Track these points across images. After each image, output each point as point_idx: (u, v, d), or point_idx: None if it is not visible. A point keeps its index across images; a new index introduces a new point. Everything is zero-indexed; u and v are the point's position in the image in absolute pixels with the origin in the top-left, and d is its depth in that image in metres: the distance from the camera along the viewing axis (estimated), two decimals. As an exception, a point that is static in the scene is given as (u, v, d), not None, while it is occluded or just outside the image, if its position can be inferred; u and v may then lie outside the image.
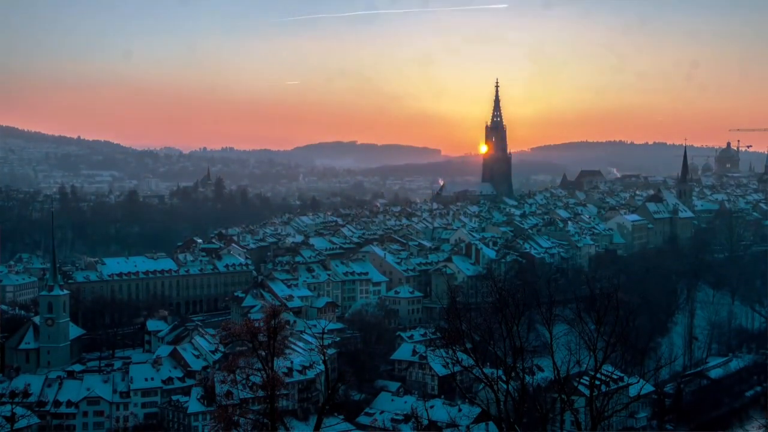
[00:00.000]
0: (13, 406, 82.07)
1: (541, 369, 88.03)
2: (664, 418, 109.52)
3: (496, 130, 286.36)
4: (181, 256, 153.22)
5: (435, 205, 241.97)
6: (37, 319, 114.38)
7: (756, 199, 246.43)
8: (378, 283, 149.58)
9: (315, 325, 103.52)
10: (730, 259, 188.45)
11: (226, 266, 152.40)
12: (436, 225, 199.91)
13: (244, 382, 51.38)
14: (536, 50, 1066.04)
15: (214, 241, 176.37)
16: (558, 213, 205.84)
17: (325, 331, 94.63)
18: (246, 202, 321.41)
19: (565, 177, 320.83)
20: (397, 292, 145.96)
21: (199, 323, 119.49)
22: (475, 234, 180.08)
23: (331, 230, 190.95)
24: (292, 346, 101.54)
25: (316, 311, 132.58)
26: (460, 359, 36.05)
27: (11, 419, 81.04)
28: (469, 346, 35.49)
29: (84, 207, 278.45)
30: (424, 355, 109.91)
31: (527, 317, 41.53)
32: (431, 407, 78.08)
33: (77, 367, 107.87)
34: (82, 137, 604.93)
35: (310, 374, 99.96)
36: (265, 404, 45.40)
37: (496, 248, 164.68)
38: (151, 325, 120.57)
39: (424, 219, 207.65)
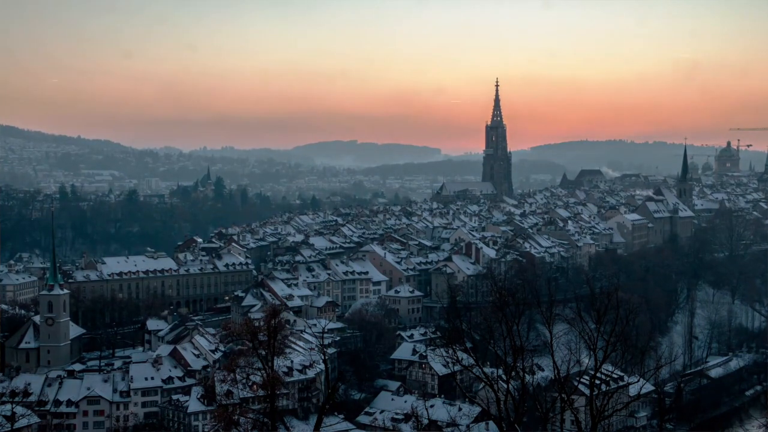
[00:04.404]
0: (13, 405, 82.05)
1: (541, 368, 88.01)
2: (664, 418, 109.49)
3: (496, 129, 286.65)
4: (181, 256, 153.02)
5: (435, 204, 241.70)
6: (37, 319, 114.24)
7: (756, 199, 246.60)
8: (378, 283, 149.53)
9: (315, 325, 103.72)
10: (730, 259, 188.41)
11: (226, 265, 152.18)
12: (436, 224, 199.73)
13: (244, 381, 51.44)
14: (537, 50, 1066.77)
15: (214, 240, 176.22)
16: (558, 212, 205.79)
17: (325, 330, 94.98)
18: (246, 201, 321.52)
19: (565, 176, 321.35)
20: (397, 292, 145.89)
21: (199, 323, 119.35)
22: (475, 233, 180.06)
23: (331, 229, 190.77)
24: (292, 345, 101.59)
25: (316, 310, 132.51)
26: (460, 358, 36.11)
27: (11, 418, 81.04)
28: (469, 345, 35.53)
29: (84, 206, 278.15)
30: (424, 354, 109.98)
31: (527, 316, 41.55)
32: (431, 406, 78.07)
33: (77, 367, 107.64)
34: (82, 137, 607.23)
35: (310, 374, 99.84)
36: (265, 403, 45.41)
37: (496, 247, 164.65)
38: (151, 324, 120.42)
39: (424, 218, 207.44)
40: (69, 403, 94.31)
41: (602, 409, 34.45)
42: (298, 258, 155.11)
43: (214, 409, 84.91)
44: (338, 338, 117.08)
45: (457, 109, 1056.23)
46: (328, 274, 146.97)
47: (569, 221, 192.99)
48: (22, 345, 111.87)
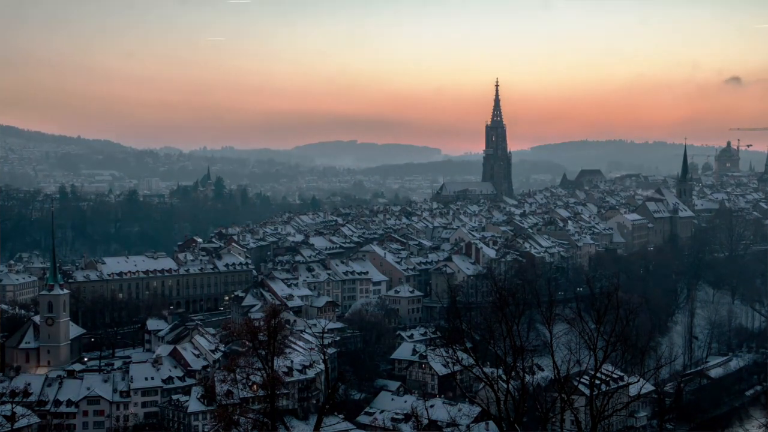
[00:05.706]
0: (14, 405, 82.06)
1: (541, 368, 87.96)
2: (664, 418, 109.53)
3: (496, 129, 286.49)
4: (181, 256, 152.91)
5: (435, 204, 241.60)
6: (37, 319, 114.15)
7: (756, 199, 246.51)
8: (378, 283, 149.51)
9: (315, 325, 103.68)
10: (730, 259, 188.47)
11: (226, 265, 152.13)
12: (436, 224, 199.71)
13: (244, 381, 51.48)
14: (537, 50, 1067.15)
15: (214, 240, 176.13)
16: (558, 212, 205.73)
17: (325, 330, 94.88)
18: (246, 201, 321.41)
19: (565, 176, 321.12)
20: (397, 292, 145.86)
21: (199, 322, 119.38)
22: (475, 233, 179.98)
23: (331, 229, 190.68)
24: (292, 345, 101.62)
25: (316, 310, 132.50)
26: (460, 358, 36.10)
27: (11, 419, 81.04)
28: (469, 345, 35.52)
29: (84, 206, 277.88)
30: (424, 354, 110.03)
31: (527, 316, 41.54)
32: (431, 406, 78.14)
33: (77, 367, 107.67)
34: (82, 137, 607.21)
35: (310, 374, 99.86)
36: (265, 403, 45.46)
37: (496, 247, 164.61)
38: (151, 324, 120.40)
39: (424, 218, 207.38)
40: (69, 403, 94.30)
41: (602, 409, 34.46)
42: (298, 258, 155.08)
43: (214, 409, 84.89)
44: (338, 338, 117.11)
45: (457, 109, 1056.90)
46: (328, 274, 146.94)
47: (569, 221, 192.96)
48: (22, 345, 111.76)
